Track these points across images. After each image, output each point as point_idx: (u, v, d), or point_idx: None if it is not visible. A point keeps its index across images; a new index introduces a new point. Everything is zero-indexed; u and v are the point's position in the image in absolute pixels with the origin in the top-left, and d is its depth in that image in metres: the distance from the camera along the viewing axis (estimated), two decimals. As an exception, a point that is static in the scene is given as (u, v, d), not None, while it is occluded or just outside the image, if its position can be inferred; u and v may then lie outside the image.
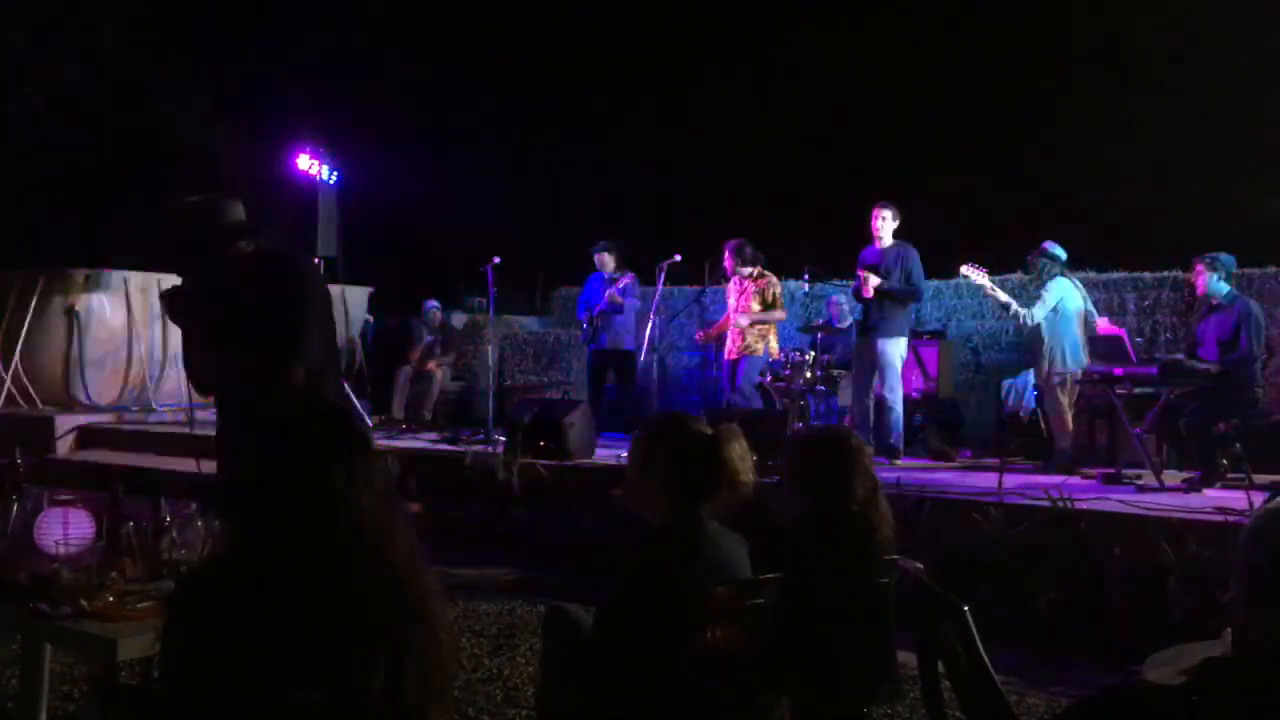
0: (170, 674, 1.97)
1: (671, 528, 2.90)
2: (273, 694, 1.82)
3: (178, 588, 2.12)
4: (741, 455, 2.89)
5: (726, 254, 9.01)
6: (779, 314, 9.05)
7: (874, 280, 7.99)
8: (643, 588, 2.80)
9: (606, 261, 9.81)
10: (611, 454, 8.14)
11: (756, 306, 8.87)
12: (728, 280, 9.20)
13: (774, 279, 8.99)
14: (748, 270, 8.94)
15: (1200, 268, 7.14)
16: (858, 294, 8.25)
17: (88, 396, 11.15)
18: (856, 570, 3.10)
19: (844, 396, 8.84)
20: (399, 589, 1.95)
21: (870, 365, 8.13)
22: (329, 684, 1.85)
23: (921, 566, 3.11)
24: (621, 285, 9.59)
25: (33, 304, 11.14)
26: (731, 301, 9.09)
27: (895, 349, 8.08)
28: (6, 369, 11.09)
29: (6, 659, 4.53)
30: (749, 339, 8.88)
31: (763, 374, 8.94)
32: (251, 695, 1.83)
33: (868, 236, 8.28)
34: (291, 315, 3.69)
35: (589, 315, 9.84)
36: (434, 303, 11.70)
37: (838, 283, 9.47)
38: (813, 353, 8.81)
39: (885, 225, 8.16)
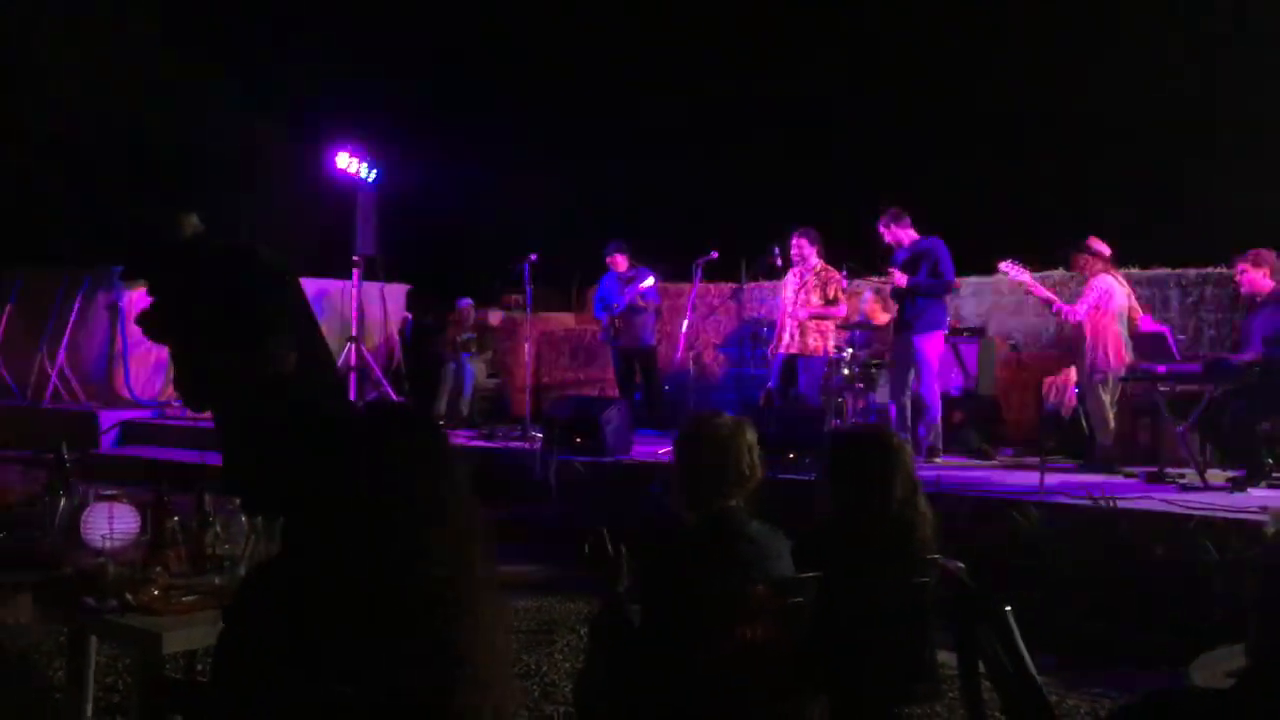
0: (227, 669, 1.98)
1: (705, 525, 2.91)
2: (329, 690, 1.83)
3: (244, 583, 2.13)
4: (740, 449, 2.95)
5: (805, 241, 8.72)
6: (841, 310, 8.84)
7: (899, 277, 7.97)
8: (678, 586, 2.81)
9: (620, 261, 10.02)
10: (649, 450, 8.15)
11: (817, 300, 8.69)
12: (784, 270, 8.97)
13: (838, 274, 8.76)
14: (814, 262, 8.77)
15: (1244, 266, 7.04)
16: (894, 293, 8.26)
17: (131, 392, 11.30)
18: (895, 569, 3.08)
19: (881, 394, 8.78)
20: (474, 589, 1.96)
21: (907, 362, 8.09)
22: (389, 682, 1.85)
23: (962, 566, 3.09)
24: (645, 287, 9.66)
25: (77, 301, 11.32)
26: (789, 294, 8.84)
27: (930, 345, 8.03)
28: (52, 365, 11.27)
29: (53, 651, 4.61)
30: (809, 336, 8.67)
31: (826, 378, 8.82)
32: (308, 692, 1.84)
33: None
34: (262, 301, 3.71)
35: (609, 315, 9.96)
36: (467, 300, 11.77)
37: (875, 279, 9.43)
38: (850, 349, 8.75)
39: (895, 233, 8.19)
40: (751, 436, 3.00)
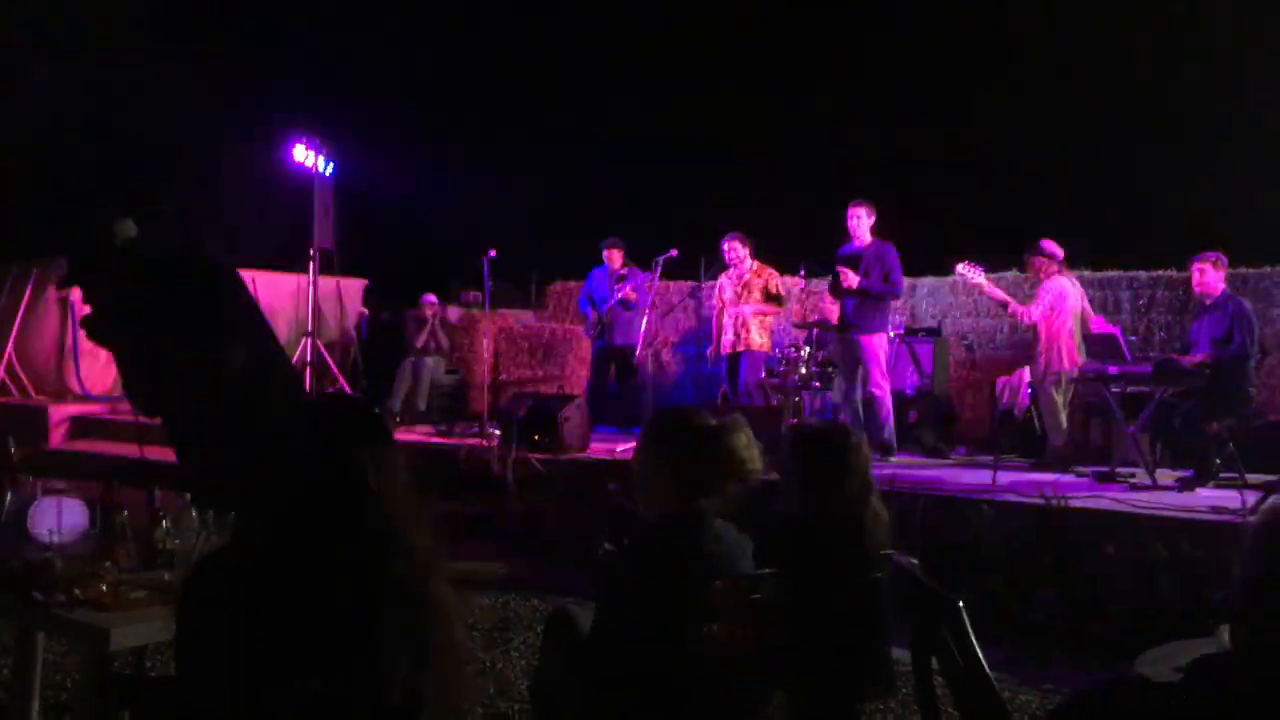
0: (186, 661, 1.96)
1: (674, 524, 2.89)
2: (286, 684, 1.81)
3: (191, 576, 2.11)
4: (748, 445, 2.90)
5: (737, 243, 8.95)
6: (781, 307, 9.08)
7: (853, 277, 8.00)
8: (643, 584, 2.80)
9: (615, 257, 9.91)
10: (607, 447, 8.16)
11: (758, 298, 8.85)
12: (722, 270, 9.15)
13: (775, 271, 9.00)
14: (749, 263, 8.92)
15: (1204, 266, 7.10)
16: (834, 289, 8.27)
17: (81, 387, 11.14)
18: (849, 566, 3.10)
19: (837, 393, 8.84)
20: (422, 580, 1.95)
21: (854, 362, 8.16)
22: (346, 673, 1.84)
23: (916, 562, 3.11)
24: (638, 283, 9.61)
25: (26, 294, 11.14)
26: (727, 295, 9.02)
27: (876, 344, 8.11)
28: (0, 359, 11.08)
29: (-1, 648, 4.53)
30: (753, 333, 8.81)
31: (770, 372, 8.89)
32: (265, 685, 1.82)
33: (850, 234, 8.32)
34: (204, 304, 3.68)
35: (596, 312, 9.85)
36: (432, 296, 11.67)
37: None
38: (808, 348, 8.80)
39: (861, 224, 8.20)
40: (738, 439, 2.89)
